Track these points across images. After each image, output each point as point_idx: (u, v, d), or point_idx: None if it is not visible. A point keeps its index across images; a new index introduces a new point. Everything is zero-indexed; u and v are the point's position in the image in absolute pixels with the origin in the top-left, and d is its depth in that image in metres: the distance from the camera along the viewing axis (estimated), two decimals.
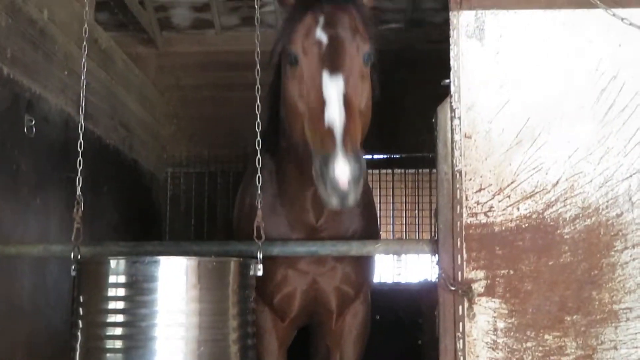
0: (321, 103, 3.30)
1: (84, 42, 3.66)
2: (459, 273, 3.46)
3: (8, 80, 4.43)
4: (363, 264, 4.47)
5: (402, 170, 9.26)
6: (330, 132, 3.18)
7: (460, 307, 3.45)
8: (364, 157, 3.19)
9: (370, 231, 4.51)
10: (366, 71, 3.57)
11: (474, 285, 3.45)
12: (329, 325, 4.59)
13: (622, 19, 3.50)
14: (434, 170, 3.72)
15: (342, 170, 3.06)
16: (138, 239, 5.90)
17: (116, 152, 6.80)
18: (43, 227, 4.83)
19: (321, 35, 3.49)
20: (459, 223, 3.49)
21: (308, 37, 3.51)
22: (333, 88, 3.32)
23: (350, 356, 4.61)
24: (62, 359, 3.56)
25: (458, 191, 3.50)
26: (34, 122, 4.72)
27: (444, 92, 3.60)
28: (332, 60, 3.42)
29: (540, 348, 3.42)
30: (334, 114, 3.23)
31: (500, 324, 3.44)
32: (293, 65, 3.54)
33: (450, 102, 3.55)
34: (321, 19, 3.53)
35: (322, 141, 3.19)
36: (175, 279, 3.02)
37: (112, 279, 3.05)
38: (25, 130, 4.64)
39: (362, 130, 3.38)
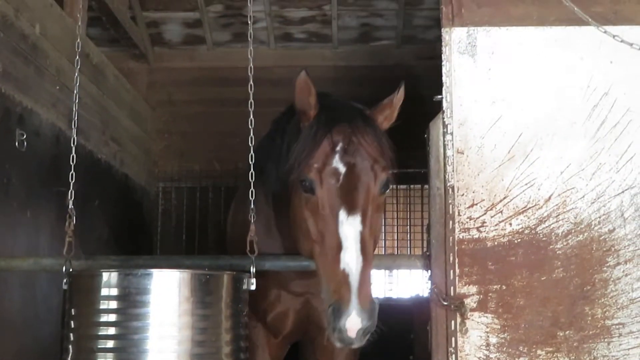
0: (337, 244, 3.21)
1: (77, 57, 3.66)
2: (452, 288, 3.46)
3: None
4: None
5: (394, 186, 9.25)
6: (345, 278, 3.11)
7: (452, 322, 3.45)
8: (376, 306, 3.12)
9: None
10: (382, 200, 3.49)
11: (467, 301, 3.45)
12: (320, 341, 4.57)
13: (614, 36, 3.52)
14: (426, 186, 3.71)
15: (355, 323, 3.03)
16: (129, 254, 5.89)
17: (107, 166, 6.77)
18: (33, 241, 4.81)
19: (339, 165, 3.37)
20: (451, 238, 3.49)
21: (325, 167, 3.37)
22: (350, 231, 3.23)
23: None
24: None
25: (450, 206, 3.51)
26: (25, 136, 4.70)
27: (436, 108, 3.61)
28: (350, 198, 3.30)
29: None
30: (351, 260, 3.14)
31: (493, 339, 3.43)
32: (308, 193, 3.39)
33: (443, 118, 3.56)
34: (339, 146, 3.40)
35: (337, 287, 3.11)
36: (168, 291, 3.01)
37: (104, 291, 3.03)
38: (17, 144, 4.62)
39: (373, 247, 3.36)
